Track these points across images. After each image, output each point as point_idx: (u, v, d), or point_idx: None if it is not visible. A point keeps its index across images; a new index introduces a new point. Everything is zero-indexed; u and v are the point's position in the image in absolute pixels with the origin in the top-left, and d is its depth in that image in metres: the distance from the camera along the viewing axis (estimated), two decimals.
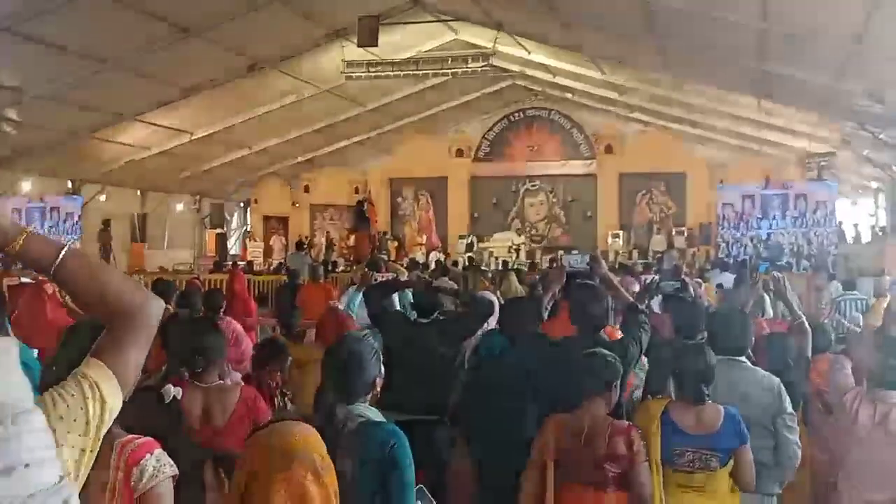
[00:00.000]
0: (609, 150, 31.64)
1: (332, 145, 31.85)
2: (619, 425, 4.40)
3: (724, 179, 29.19)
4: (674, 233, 30.27)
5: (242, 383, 4.62)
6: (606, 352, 4.66)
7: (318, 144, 31.28)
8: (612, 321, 5.94)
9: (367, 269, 8.73)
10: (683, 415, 4.51)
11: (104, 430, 1.87)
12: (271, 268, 26.29)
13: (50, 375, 2.53)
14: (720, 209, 27.06)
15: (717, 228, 27.33)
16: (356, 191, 33.35)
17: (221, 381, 4.41)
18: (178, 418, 3.32)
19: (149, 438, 2.70)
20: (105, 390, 1.87)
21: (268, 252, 32.57)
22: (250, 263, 21.89)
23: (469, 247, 30.33)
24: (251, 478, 2.51)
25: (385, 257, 24.63)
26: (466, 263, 23.98)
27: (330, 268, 22.18)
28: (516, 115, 32.91)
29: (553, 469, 4.33)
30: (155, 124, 23.87)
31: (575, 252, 6.29)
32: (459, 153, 33.26)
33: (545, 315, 6.11)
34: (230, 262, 22.65)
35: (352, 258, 26.42)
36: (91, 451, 1.83)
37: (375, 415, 3.54)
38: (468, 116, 33.20)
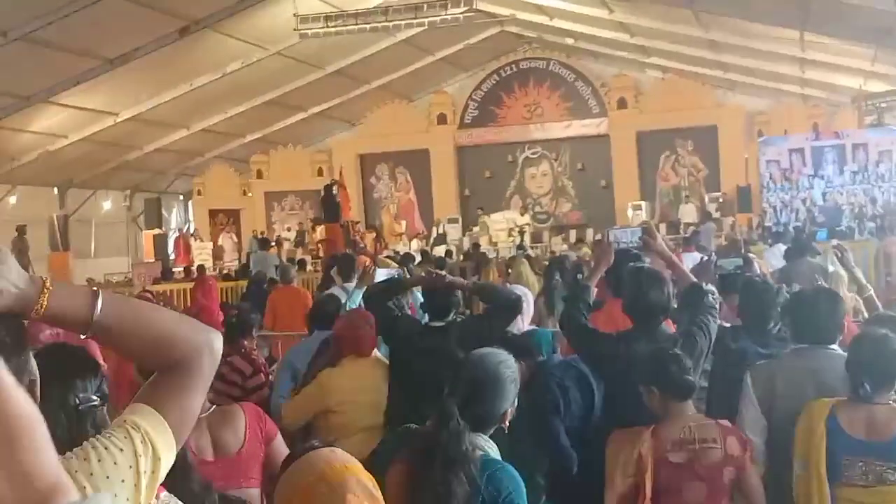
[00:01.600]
0: (623, 104, 31.69)
1: (287, 119, 31.75)
2: (726, 424, 4.54)
3: (764, 131, 29.29)
4: (707, 200, 30.32)
5: (235, 404, 4.73)
6: (677, 351, 4.63)
7: (270, 119, 31.17)
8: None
9: (369, 264, 8.60)
10: (853, 417, 4.50)
11: (153, 492, 1.87)
12: (221, 271, 26.15)
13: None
14: (762, 167, 27.14)
15: (761, 191, 27.40)
16: (320, 172, 33.26)
17: (216, 405, 4.57)
18: (182, 453, 3.31)
19: None
20: (159, 445, 1.86)
21: (217, 253, 32.41)
22: (200, 269, 21.72)
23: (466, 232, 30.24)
24: None
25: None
26: (468, 251, 23.89)
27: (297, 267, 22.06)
28: (508, 68, 32.92)
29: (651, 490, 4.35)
30: (71, 106, 23.68)
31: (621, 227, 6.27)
32: (442, 119, 33.25)
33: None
34: (194, 268, 22.54)
35: (321, 255, 26.26)
36: None
37: (495, 451, 3.62)
38: (450, 74, 33.15)
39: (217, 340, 2.00)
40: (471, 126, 33.17)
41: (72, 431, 2.52)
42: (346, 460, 2.63)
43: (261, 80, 26.41)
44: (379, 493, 2.62)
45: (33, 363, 1.85)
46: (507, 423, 3.76)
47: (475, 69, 33.02)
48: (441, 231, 30.74)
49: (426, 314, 6.49)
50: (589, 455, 5.24)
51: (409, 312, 7.41)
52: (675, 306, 5.70)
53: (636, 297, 5.23)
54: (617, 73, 31.79)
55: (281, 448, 4.47)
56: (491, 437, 3.70)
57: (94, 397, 2.63)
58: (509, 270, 13.75)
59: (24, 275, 1.86)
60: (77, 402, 2.61)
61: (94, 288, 1.94)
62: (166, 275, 18.96)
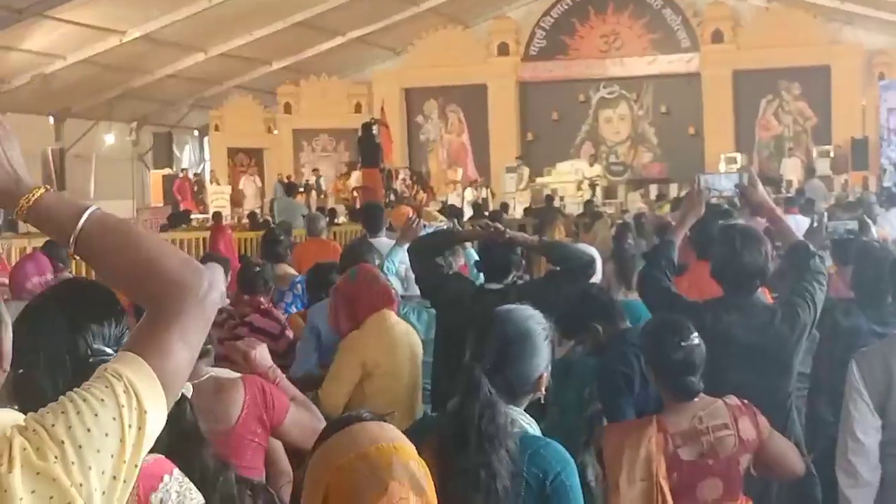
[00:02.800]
0: (717, 37, 31.40)
1: (321, 44, 31.72)
2: (735, 403, 4.46)
3: (886, 74, 28.90)
4: (815, 154, 30.02)
5: (240, 376, 4.67)
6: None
7: (302, 44, 31.17)
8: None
9: (412, 215, 8.57)
10: None
11: (143, 453, 1.86)
12: (241, 220, 26.27)
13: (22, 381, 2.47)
14: (883, 117, 26.84)
15: (880, 145, 27.07)
16: (358, 108, 33.26)
17: (214, 373, 4.46)
18: (193, 425, 3.31)
19: (158, 456, 2.67)
20: (145, 396, 1.86)
21: (236, 199, 32.57)
22: (217, 216, 21.82)
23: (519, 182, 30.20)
24: None
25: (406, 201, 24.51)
26: (529, 205, 23.82)
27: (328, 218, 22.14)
28: None
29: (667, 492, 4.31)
30: (70, 22, 23.81)
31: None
32: (503, 49, 33.09)
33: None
34: (210, 215, 22.65)
35: (357, 205, 26.33)
36: (125, 480, 1.82)
37: (534, 427, 3.61)
38: None
39: (212, 285, 2.01)
40: (537, 58, 33.01)
41: (76, 385, 2.53)
42: (397, 439, 2.60)
43: None
44: (429, 486, 2.59)
45: (1, 304, 1.86)
46: (544, 391, 3.69)
47: None
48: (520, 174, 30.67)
49: (481, 274, 6.46)
50: None
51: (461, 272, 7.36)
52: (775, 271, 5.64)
53: (727, 260, 5.16)
54: (712, 0, 31.40)
55: (292, 435, 4.41)
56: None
57: (110, 350, 2.59)
58: (575, 228, 13.73)
59: (23, 165, 1.97)
60: (89, 350, 2.58)
61: (89, 205, 1.99)
62: (177, 220, 19.02)
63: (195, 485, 2.83)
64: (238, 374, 4.58)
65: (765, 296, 5.41)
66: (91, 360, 2.53)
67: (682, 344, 4.50)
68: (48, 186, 1.97)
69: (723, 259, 5.23)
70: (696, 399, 4.48)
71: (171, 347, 1.93)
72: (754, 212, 5.79)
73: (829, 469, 4.94)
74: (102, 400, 1.81)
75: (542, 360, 3.65)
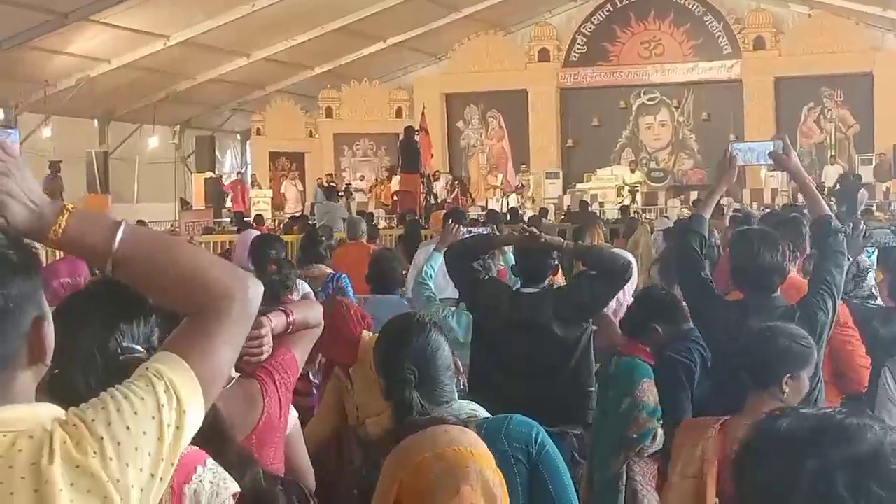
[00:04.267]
0: (760, 44, 31.26)
1: (363, 49, 31.79)
2: None
3: None
4: (857, 161, 29.79)
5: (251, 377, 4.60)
6: (786, 327, 4.53)
7: (343, 49, 31.23)
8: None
9: (450, 221, 8.57)
10: None
11: (179, 451, 1.88)
12: (280, 224, 26.33)
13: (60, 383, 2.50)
14: None
15: None
16: (399, 113, 33.31)
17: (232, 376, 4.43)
18: (217, 421, 3.31)
19: (191, 447, 2.68)
20: (185, 396, 1.89)
21: (278, 202, 32.67)
22: (258, 219, 21.91)
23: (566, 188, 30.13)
24: None
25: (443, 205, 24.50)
26: (566, 209, 23.73)
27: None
28: None
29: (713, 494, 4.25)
30: (115, 26, 23.97)
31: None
32: (544, 55, 33.03)
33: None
34: (249, 218, 22.69)
35: (396, 209, 26.37)
36: (162, 478, 1.84)
37: (482, 410, 3.64)
38: (555, 2, 32.95)
39: (254, 287, 2.05)
40: (577, 64, 32.94)
41: (108, 383, 2.53)
42: (475, 445, 2.63)
43: (334, 1, 26.51)
44: (503, 496, 2.60)
45: (43, 297, 1.87)
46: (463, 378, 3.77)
47: None
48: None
49: (517, 278, 6.46)
50: None
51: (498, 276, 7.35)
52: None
53: (746, 263, 5.12)
54: (754, 7, 31.33)
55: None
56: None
57: (140, 348, 2.63)
58: (628, 234, 13.69)
59: (41, 192, 1.92)
60: (119, 349, 2.61)
61: (119, 220, 1.99)
62: (239, 222, 19.12)
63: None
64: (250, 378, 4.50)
65: (783, 299, 5.33)
66: (121, 357, 2.57)
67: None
68: (68, 207, 1.94)
69: (741, 263, 5.19)
70: (770, 404, 4.31)
71: (214, 350, 1.96)
72: (791, 176, 5.67)
73: None
74: (143, 398, 1.83)
75: (447, 353, 3.67)
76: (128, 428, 1.79)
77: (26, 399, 1.83)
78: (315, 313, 3.96)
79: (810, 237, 5.63)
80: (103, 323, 2.61)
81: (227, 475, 2.75)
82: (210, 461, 2.74)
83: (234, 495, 2.75)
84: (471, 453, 2.58)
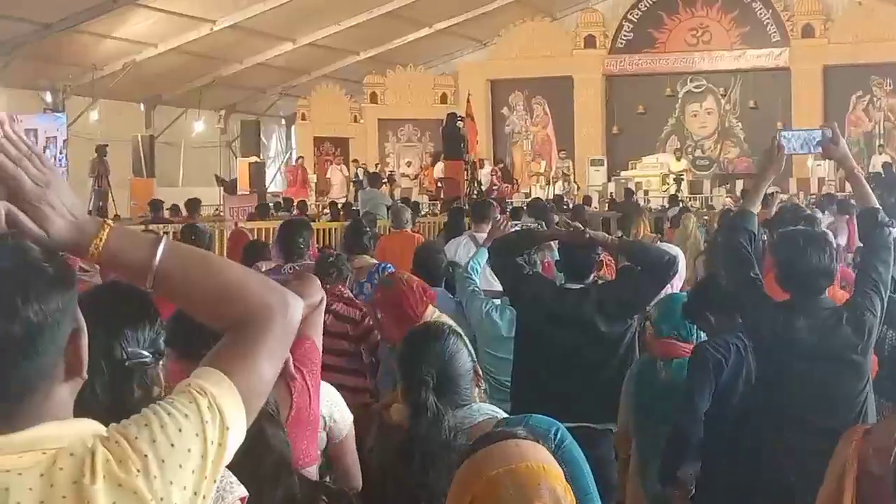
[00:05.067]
0: (808, 32, 30.98)
1: (408, 35, 31.79)
2: None
3: None
4: None
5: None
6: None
7: (389, 34, 31.26)
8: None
9: (499, 215, 8.58)
10: None
11: (221, 469, 1.88)
12: (323, 209, 26.35)
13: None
14: None
15: None
16: (443, 99, 33.29)
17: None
18: (259, 426, 3.30)
19: None
20: (228, 413, 1.88)
21: (322, 187, 32.74)
22: (301, 205, 21.95)
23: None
24: None
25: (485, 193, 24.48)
26: (612, 199, 23.63)
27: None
28: None
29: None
30: (163, 10, 24.11)
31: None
32: (590, 42, 32.90)
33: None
34: (293, 205, 22.72)
35: (440, 196, 26.37)
36: (204, 496, 1.84)
37: (500, 412, 3.73)
38: None
39: (295, 304, 2.05)
40: (624, 51, 32.80)
41: (114, 389, 2.52)
42: (547, 462, 2.61)
43: None
44: None
45: (78, 310, 1.86)
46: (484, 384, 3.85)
47: None
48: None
49: (562, 274, 6.45)
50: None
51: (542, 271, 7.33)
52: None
53: (793, 262, 5.04)
54: None
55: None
56: None
57: (146, 353, 2.62)
58: (674, 225, 13.63)
59: (81, 207, 1.94)
60: (124, 355, 2.60)
61: (160, 235, 2.05)
62: (263, 211, 19.15)
63: (254, 491, 2.83)
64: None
65: (831, 300, 5.25)
66: (127, 363, 2.57)
67: None
68: (109, 223, 1.94)
69: (787, 265, 5.11)
70: None
71: (256, 366, 1.95)
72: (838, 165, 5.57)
73: None
74: (187, 416, 1.82)
75: (466, 358, 3.75)
76: (172, 445, 1.78)
77: (65, 414, 1.82)
78: (313, 289, 3.96)
79: (857, 230, 5.54)
80: (107, 328, 2.58)
81: (234, 479, 2.72)
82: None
83: (241, 500, 2.71)
84: (543, 469, 2.56)
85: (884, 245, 5.03)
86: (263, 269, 8.14)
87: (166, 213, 19.61)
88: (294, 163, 33.89)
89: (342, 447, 4.42)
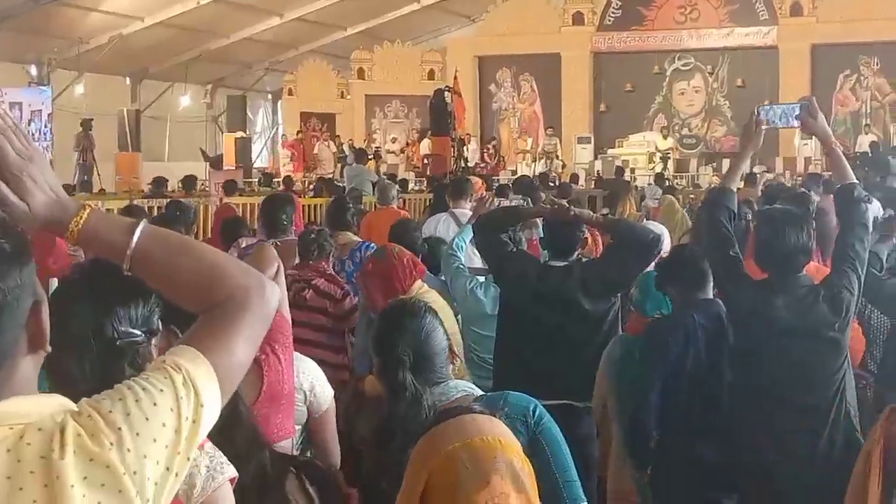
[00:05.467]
0: (797, 10, 30.99)
1: (396, 10, 31.78)
2: None
3: None
4: (893, 131, 29.60)
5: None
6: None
7: (377, 9, 31.22)
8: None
9: (486, 193, 8.57)
10: None
11: (195, 446, 1.87)
12: (310, 185, 26.31)
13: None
14: None
15: None
16: (431, 75, 33.25)
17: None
18: (236, 408, 3.29)
19: None
20: (203, 390, 1.88)
21: (309, 163, 32.71)
22: (287, 181, 21.94)
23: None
24: (430, 499, 2.58)
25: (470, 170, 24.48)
26: (598, 175, 23.61)
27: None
28: None
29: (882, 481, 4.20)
30: None
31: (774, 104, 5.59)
32: (578, 19, 32.86)
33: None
34: (279, 181, 22.72)
35: (426, 174, 26.37)
36: (177, 473, 1.83)
37: (476, 389, 3.72)
38: None
39: (271, 288, 2.07)
40: (612, 28, 32.74)
41: (105, 368, 2.51)
42: (503, 435, 2.63)
43: None
44: (531, 485, 2.61)
45: (37, 282, 1.86)
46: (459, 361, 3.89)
47: None
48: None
49: (546, 251, 6.44)
50: (692, 426, 5.17)
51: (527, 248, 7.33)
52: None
53: (771, 244, 5.05)
54: None
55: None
56: None
57: (138, 332, 2.61)
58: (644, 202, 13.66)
59: (61, 187, 1.96)
60: (115, 333, 2.59)
61: (138, 220, 2.02)
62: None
63: (237, 456, 2.85)
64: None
65: (809, 276, 5.26)
66: (118, 342, 2.56)
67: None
68: (89, 204, 1.99)
69: (766, 244, 5.11)
70: None
71: (232, 346, 1.96)
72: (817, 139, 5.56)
73: None
74: (162, 391, 1.82)
75: (441, 336, 3.74)
76: (147, 419, 1.78)
77: (30, 388, 1.81)
78: (266, 261, 3.96)
79: (835, 206, 5.55)
80: (98, 307, 2.58)
81: (223, 459, 2.74)
82: (208, 445, 2.72)
83: (231, 480, 2.73)
84: (499, 442, 2.58)
85: (860, 221, 5.05)
86: (244, 245, 8.16)
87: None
88: (291, 137, 33.77)
89: (321, 421, 4.42)
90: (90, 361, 2.51)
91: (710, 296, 5.40)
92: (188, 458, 1.86)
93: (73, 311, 2.61)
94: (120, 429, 1.73)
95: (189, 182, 18.44)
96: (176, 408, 1.82)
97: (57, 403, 1.78)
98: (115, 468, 1.70)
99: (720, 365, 5.18)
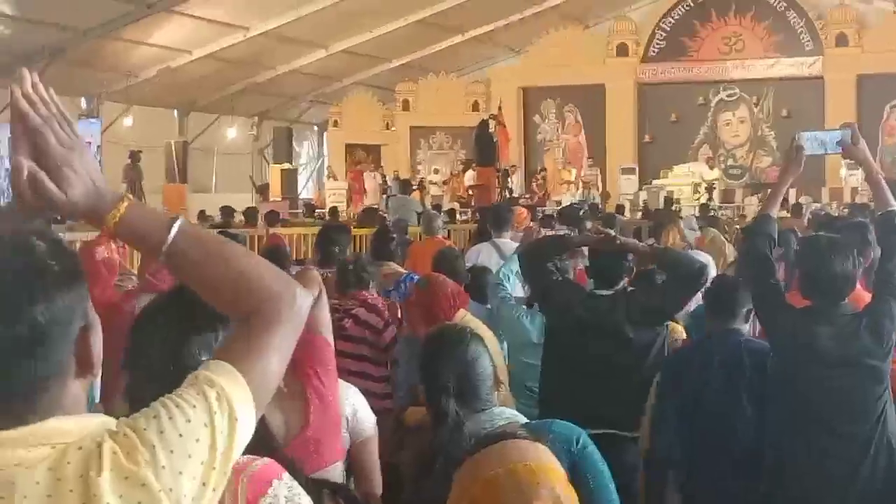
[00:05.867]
0: (842, 40, 30.85)
1: (441, 42, 31.81)
2: None
3: None
4: None
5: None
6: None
7: (422, 41, 31.30)
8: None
9: (532, 223, 8.60)
10: None
11: (232, 461, 1.87)
12: (355, 217, 26.35)
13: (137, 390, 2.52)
14: None
15: None
16: (475, 107, 33.29)
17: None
18: (264, 432, 3.29)
19: (267, 460, 2.68)
20: (237, 405, 1.88)
21: (354, 195, 32.81)
22: (333, 212, 22.04)
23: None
24: None
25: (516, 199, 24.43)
26: (643, 206, 23.50)
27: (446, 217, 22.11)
28: None
29: None
30: (197, 17, 24.21)
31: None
32: (622, 50, 32.88)
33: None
34: (325, 211, 22.78)
35: (472, 204, 26.35)
36: (214, 488, 1.83)
37: (521, 418, 3.73)
38: None
39: (304, 295, 2.06)
40: (656, 60, 32.74)
41: None
42: (546, 461, 2.63)
43: None
44: None
45: (89, 305, 1.87)
46: (501, 385, 3.88)
47: None
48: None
49: (591, 280, 6.44)
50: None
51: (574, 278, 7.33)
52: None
53: (815, 271, 5.02)
54: (837, 3, 30.88)
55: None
56: None
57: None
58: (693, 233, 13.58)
59: (101, 177, 1.95)
60: (193, 361, 2.55)
61: (176, 216, 2.03)
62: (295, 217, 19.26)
63: None
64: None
65: (852, 304, 5.23)
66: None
67: None
68: (129, 196, 1.98)
69: (811, 272, 5.09)
70: None
71: (264, 358, 1.96)
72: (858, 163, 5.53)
73: None
74: (195, 406, 1.83)
75: (487, 363, 3.76)
76: (181, 435, 1.78)
77: (77, 410, 1.83)
78: (308, 284, 3.96)
79: (875, 233, 5.53)
80: (179, 334, 2.62)
81: (300, 490, 2.71)
82: (286, 475, 2.70)
83: None
84: (542, 469, 2.57)
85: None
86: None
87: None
88: (336, 168, 33.93)
89: (362, 447, 4.40)
90: (169, 388, 2.55)
91: (743, 326, 5.41)
92: (225, 473, 1.85)
93: (157, 337, 2.66)
94: (154, 446, 1.74)
95: (251, 213, 18.45)
96: (209, 423, 1.82)
97: (99, 422, 1.80)
98: (150, 486, 1.71)
99: (738, 398, 5.17)
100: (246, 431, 1.90)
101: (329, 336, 4.08)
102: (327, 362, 4.07)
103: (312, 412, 4.06)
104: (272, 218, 17.52)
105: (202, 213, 19.52)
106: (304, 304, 2.06)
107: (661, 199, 25.20)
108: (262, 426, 3.31)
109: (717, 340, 5.36)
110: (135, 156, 26.93)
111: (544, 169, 32.20)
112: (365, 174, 33.57)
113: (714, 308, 5.53)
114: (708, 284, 6.00)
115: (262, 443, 3.23)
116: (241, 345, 1.97)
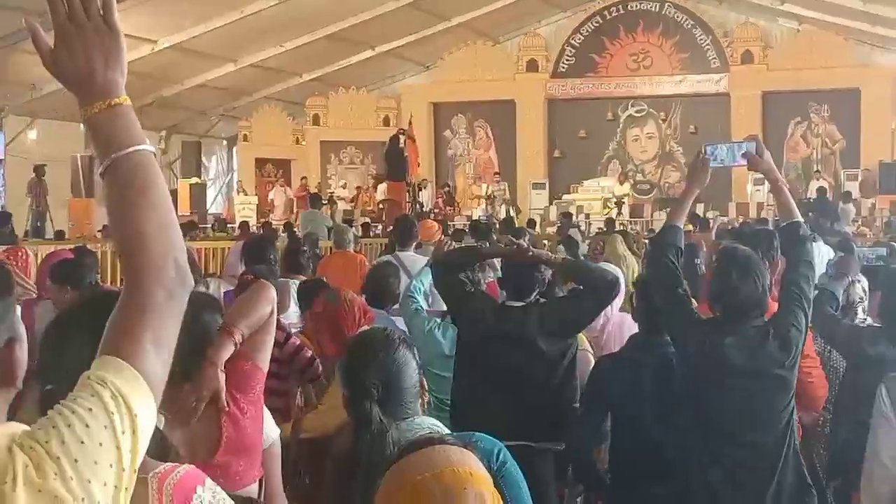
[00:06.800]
0: (748, 58, 31.36)
1: (351, 57, 31.75)
2: None
3: None
4: (843, 176, 29.82)
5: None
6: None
7: (331, 56, 31.21)
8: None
9: (443, 237, 8.57)
10: None
11: (139, 458, 1.84)
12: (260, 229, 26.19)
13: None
14: None
15: None
16: (386, 122, 33.29)
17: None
18: (165, 451, 3.23)
19: (188, 467, 2.65)
20: (133, 399, 1.83)
21: (264, 209, 32.60)
22: (244, 226, 21.85)
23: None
24: None
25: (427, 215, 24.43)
26: (557, 222, 23.62)
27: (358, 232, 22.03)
28: (613, 9, 32.69)
29: None
30: None
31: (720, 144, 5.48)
32: (532, 66, 33.09)
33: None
34: (236, 224, 22.61)
35: (382, 218, 26.32)
36: (126, 488, 1.80)
37: (442, 427, 3.65)
38: (544, 13, 32.99)
39: (181, 290, 1.99)
40: (566, 76, 32.99)
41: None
42: (474, 467, 2.58)
43: (323, 8, 26.47)
44: None
45: (16, 317, 1.82)
46: (428, 396, 3.81)
47: (575, 8, 32.80)
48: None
49: (503, 292, 6.43)
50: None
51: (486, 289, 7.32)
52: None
53: (723, 290, 5.04)
54: (743, 21, 31.40)
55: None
56: None
57: None
58: (603, 247, 13.69)
59: (122, 81, 2.03)
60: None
61: (141, 141, 2.05)
62: (201, 230, 19.07)
63: None
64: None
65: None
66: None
67: None
68: (119, 99, 2.01)
69: (718, 289, 5.09)
70: None
71: (149, 347, 1.90)
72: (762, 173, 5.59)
73: (851, 497, 4.89)
74: (90, 409, 1.77)
75: (413, 370, 3.70)
76: (82, 443, 1.73)
77: None
78: (262, 301, 3.87)
79: (779, 244, 5.58)
80: (94, 341, 2.57)
81: (225, 495, 2.72)
82: (209, 481, 2.69)
83: None
84: (469, 474, 2.52)
85: (805, 259, 5.08)
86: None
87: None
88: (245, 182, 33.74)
89: (263, 458, 4.34)
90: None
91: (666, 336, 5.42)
92: (135, 471, 1.82)
93: (71, 344, 2.60)
94: (59, 458, 1.70)
95: None
96: (109, 425, 1.78)
97: (11, 433, 1.74)
98: (62, 498, 1.67)
99: (667, 407, 5.18)
100: (147, 423, 1.86)
101: (263, 362, 4.01)
102: (253, 388, 4.00)
103: (224, 439, 4.00)
104: (189, 228, 17.38)
105: (106, 227, 19.20)
106: (181, 297, 1.99)
107: (561, 215, 25.34)
108: (164, 439, 3.25)
109: (645, 349, 5.37)
110: (39, 169, 26.50)
111: (449, 184, 32.10)
112: (274, 189, 33.40)
113: (641, 319, 5.56)
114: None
115: (162, 454, 3.18)
116: (124, 336, 1.90)
